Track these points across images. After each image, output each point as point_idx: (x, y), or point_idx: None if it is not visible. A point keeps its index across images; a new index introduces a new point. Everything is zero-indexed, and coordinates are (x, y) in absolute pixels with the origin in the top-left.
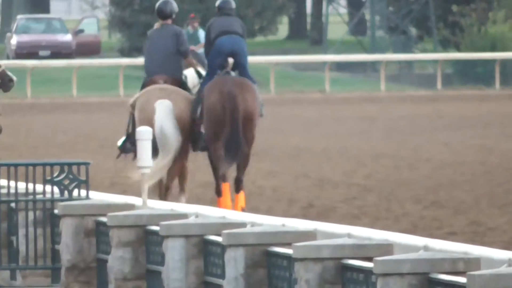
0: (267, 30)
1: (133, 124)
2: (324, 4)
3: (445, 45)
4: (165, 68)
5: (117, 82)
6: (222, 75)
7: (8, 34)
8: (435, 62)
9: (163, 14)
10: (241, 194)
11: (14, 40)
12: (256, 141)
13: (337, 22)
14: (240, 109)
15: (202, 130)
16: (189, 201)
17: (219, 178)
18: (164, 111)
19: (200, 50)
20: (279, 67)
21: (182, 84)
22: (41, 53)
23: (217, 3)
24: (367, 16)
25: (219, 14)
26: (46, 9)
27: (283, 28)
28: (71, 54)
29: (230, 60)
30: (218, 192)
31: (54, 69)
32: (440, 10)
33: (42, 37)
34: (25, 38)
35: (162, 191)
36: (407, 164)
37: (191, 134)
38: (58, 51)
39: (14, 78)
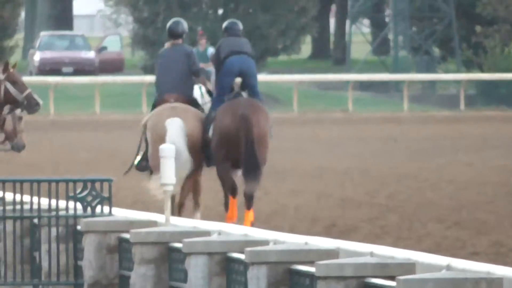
0: (290, 49)
1: (146, 144)
2: (348, 23)
3: (468, 65)
4: (176, 87)
5: (140, 99)
6: (234, 97)
7: (31, 51)
8: (458, 82)
9: (174, 34)
10: (251, 212)
11: (37, 56)
12: (279, 161)
13: (360, 41)
14: (254, 131)
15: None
16: (212, 218)
17: (228, 194)
18: (175, 130)
19: (209, 68)
20: (302, 86)
21: (193, 102)
22: (64, 70)
23: (224, 25)
24: (390, 36)
25: (228, 35)
26: (70, 26)
27: (306, 47)
28: (94, 71)
29: (238, 80)
30: (227, 207)
31: (77, 86)
32: (463, 30)
33: (65, 54)
34: (48, 54)
35: (175, 208)
36: (430, 185)
37: (205, 151)
38: (81, 68)
39: (41, 102)
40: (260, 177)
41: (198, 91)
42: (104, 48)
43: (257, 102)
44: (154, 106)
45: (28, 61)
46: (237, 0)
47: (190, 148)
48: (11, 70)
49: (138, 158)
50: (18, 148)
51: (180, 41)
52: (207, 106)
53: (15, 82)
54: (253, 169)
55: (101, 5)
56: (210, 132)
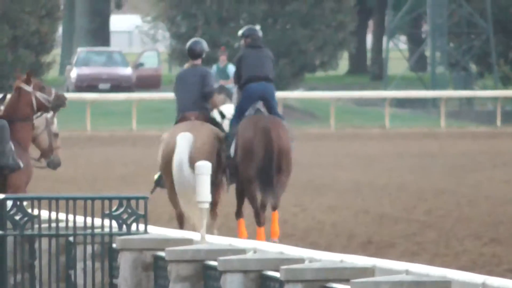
0: (328, 65)
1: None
2: (385, 39)
3: (506, 82)
4: (196, 106)
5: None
6: (254, 113)
7: (68, 67)
8: (495, 99)
9: (193, 54)
10: (275, 215)
11: (74, 72)
12: (316, 176)
13: (397, 57)
14: (274, 144)
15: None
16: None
17: (255, 206)
18: (184, 144)
19: (230, 85)
20: (340, 102)
21: (212, 120)
22: (101, 86)
23: (241, 31)
24: (428, 52)
25: (248, 45)
26: (107, 42)
27: (343, 63)
28: (131, 87)
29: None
30: (239, 214)
31: (114, 102)
32: (501, 46)
33: (102, 70)
34: (85, 71)
35: (179, 219)
36: (467, 201)
37: (226, 169)
38: (118, 84)
39: (67, 96)
40: (282, 185)
41: (218, 115)
42: (141, 64)
43: (276, 117)
44: (176, 123)
45: (65, 77)
46: (275, 15)
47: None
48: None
49: (158, 174)
50: (54, 165)
51: (199, 61)
52: (226, 124)
53: (42, 88)
54: (269, 179)
55: (138, 21)
56: (232, 148)
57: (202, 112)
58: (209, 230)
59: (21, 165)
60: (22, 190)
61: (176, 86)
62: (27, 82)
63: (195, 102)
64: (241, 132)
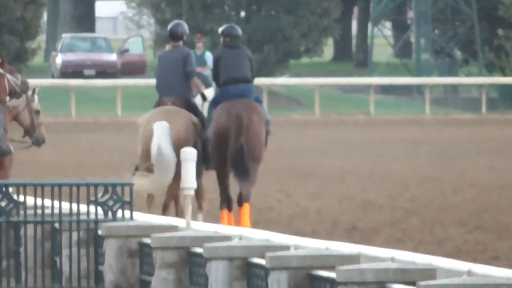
0: (313, 51)
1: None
2: (370, 26)
3: (491, 69)
4: (174, 90)
5: None
6: (231, 101)
7: (53, 53)
8: (480, 86)
9: (174, 36)
10: (245, 208)
11: (59, 59)
12: (301, 163)
13: (382, 44)
14: (244, 129)
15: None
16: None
17: (222, 194)
18: (161, 132)
19: (207, 72)
20: (324, 89)
21: (190, 105)
22: (86, 72)
23: (221, 29)
24: (413, 39)
25: (226, 44)
26: (92, 28)
27: (328, 50)
28: (116, 74)
29: None
30: (222, 206)
31: (98, 88)
32: (485, 33)
33: (87, 56)
34: (70, 57)
35: (149, 205)
36: (452, 188)
37: (203, 154)
38: (103, 71)
39: (28, 81)
40: (252, 173)
41: (200, 97)
42: (126, 50)
43: (252, 101)
44: (154, 106)
45: (50, 63)
46: (259, 2)
47: (176, 151)
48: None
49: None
50: (38, 142)
51: (180, 43)
52: (206, 106)
53: (12, 72)
54: (241, 166)
55: (123, 7)
56: (208, 133)
57: (181, 95)
58: (197, 216)
59: (12, 149)
60: (8, 175)
61: (157, 67)
62: (1, 66)
63: (174, 85)
64: (215, 117)
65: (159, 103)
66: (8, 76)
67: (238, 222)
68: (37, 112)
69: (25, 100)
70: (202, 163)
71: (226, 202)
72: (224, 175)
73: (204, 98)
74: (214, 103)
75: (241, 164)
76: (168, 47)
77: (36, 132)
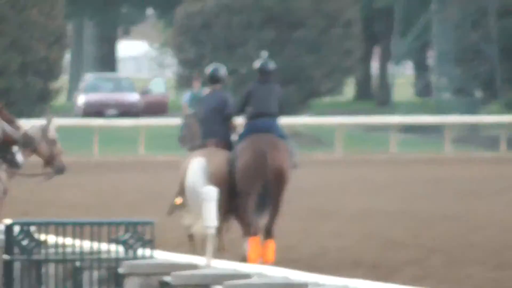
0: (335, 91)
1: None
2: (391, 65)
3: (511, 107)
4: (216, 133)
5: None
6: (256, 134)
7: (76, 93)
8: (501, 124)
9: (214, 79)
10: (271, 243)
11: (82, 98)
12: (322, 202)
13: (403, 84)
14: (269, 166)
15: None
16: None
17: (247, 224)
18: (197, 168)
19: None
20: (346, 127)
21: (232, 145)
22: (109, 112)
23: (257, 65)
24: (434, 78)
25: (259, 79)
26: (114, 68)
27: (349, 89)
28: (138, 113)
29: None
30: (246, 233)
31: (121, 128)
32: (507, 72)
33: (110, 96)
34: (93, 97)
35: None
36: (473, 226)
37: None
38: (126, 110)
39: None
40: (275, 207)
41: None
42: (149, 90)
43: (276, 138)
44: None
45: (73, 103)
46: (282, 42)
47: (214, 184)
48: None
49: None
50: (59, 170)
51: (218, 86)
52: None
53: (11, 121)
54: (263, 202)
55: (146, 47)
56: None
57: (222, 137)
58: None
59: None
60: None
61: (199, 110)
62: None
63: (216, 129)
64: (240, 152)
65: (201, 146)
66: (5, 124)
67: (264, 257)
68: (54, 141)
69: (41, 132)
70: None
71: (248, 227)
72: (246, 205)
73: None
74: (242, 136)
75: (265, 199)
76: (207, 90)
77: (56, 161)
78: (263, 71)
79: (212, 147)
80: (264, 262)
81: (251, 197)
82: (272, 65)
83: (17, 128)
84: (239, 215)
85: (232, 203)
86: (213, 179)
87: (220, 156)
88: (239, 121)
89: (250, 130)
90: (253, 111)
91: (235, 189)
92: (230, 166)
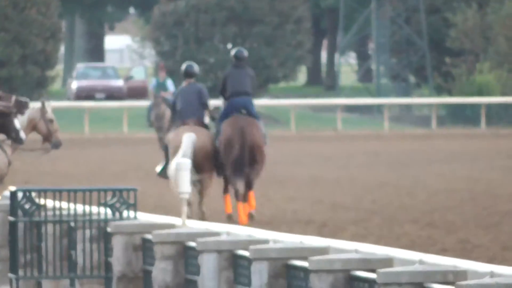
0: (289, 77)
1: (167, 155)
2: (337, 56)
3: (439, 91)
4: (194, 114)
5: None
6: (236, 114)
7: (69, 80)
8: (430, 105)
9: (189, 74)
10: (252, 193)
11: (74, 85)
12: (279, 172)
13: (347, 71)
14: (248, 140)
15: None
16: (222, 221)
17: (226, 184)
18: (189, 141)
19: (168, 96)
20: (299, 109)
21: (205, 125)
22: (97, 96)
23: (233, 52)
24: (373, 66)
25: (234, 65)
26: (102, 59)
27: (302, 76)
28: (122, 97)
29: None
30: (225, 191)
31: (108, 109)
32: (435, 61)
33: (98, 82)
34: (84, 83)
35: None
36: (407, 192)
37: (215, 162)
38: (112, 94)
39: (28, 100)
40: (256, 172)
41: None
42: (131, 77)
43: (252, 118)
44: (176, 127)
45: (66, 89)
46: (244, 36)
47: (202, 157)
48: None
49: (161, 166)
50: (56, 145)
51: (193, 80)
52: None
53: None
54: (241, 168)
55: (129, 41)
56: (217, 143)
57: (198, 118)
58: (200, 207)
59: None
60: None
61: (176, 98)
62: None
63: (194, 111)
64: (224, 129)
65: (182, 123)
66: None
67: (242, 211)
68: (51, 120)
69: (40, 112)
70: (215, 168)
71: (235, 193)
72: (231, 174)
73: (213, 118)
74: (223, 114)
75: (241, 166)
76: (184, 83)
77: (53, 137)
78: (238, 57)
79: (193, 124)
80: (250, 208)
81: (231, 165)
82: (245, 53)
83: (9, 100)
84: (222, 178)
85: (216, 170)
86: (202, 151)
87: (204, 132)
88: (216, 103)
89: (229, 107)
90: (231, 90)
91: (217, 158)
92: (212, 141)
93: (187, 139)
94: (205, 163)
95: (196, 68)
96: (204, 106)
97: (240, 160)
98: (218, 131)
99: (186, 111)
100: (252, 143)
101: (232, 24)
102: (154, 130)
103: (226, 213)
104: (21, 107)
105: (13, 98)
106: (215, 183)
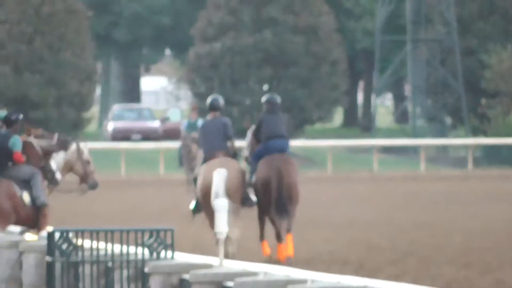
0: (325, 119)
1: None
2: (373, 97)
3: (475, 132)
4: (221, 147)
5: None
6: (272, 155)
7: (105, 121)
8: (466, 146)
9: (214, 107)
10: (290, 237)
11: (110, 126)
12: (315, 213)
13: (383, 112)
14: (284, 179)
15: (250, 192)
16: (260, 260)
17: (262, 228)
18: (220, 178)
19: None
20: (335, 150)
21: (234, 156)
22: (133, 137)
23: (264, 99)
24: (410, 108)
25: (267, 110)
26: (137, 100)
27: (338, 117)
28: (158, 138)
29: None
30: (262, 238)
31: (144, 151)
32: (471, 102)
33: (134, 123)
34: (120, 124)
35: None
36: (443, 233)
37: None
38: (148, 136)
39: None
40: (292, 213)
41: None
42: (168, 118)
43: (287, 156)
44: (205, 161)
45: (102, 130)
46: (279, 77)
47: (232, 191)
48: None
49: (193, 203)
50: (93, 186)
51: (218, 113)
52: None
53: (40, 136)
54: (282, 208)
55: (164, 82)
56: (253, 179)
57: (226, 150)
58: (226, 245)
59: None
60: (47, 222)
61: (201, 132)
62: (28, 134)
63: (219, 143)
64: (260, 169)
65: (210, 156)
66: (34, 142)
67: (283, 251)
68: (88, 162)
69: (76, 154)
70: (245, 201)
71: (277, 235)
72: (264, 215)
73: (235, 154)
74: (258, 155)
75: (281, 206)
76: (209, 116)
77: (90, 178)
78: (271, 103)
79: (220, 156)
80: (287, 254)
81: (274, 205)
82: (278, 99)
83: (51, 138)
84: (258, 223)
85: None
86: (233, 185)
87: (234, 165)
88: (242, 144)
89: (266, 149)
90: (267, 133)
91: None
92: (243, 174)
93: (218, 177)
94: (236, 197)
95: (221, 101)
96: (229, 138)
97: (281, 200)
98: (252, 170)
99: (212, 144)
100: (288, 183)
101: (268, 66)
102: (184, 171)
103: (265, 255)
104: (64, 145)
105: (56, 136)
106: (246, 222)
